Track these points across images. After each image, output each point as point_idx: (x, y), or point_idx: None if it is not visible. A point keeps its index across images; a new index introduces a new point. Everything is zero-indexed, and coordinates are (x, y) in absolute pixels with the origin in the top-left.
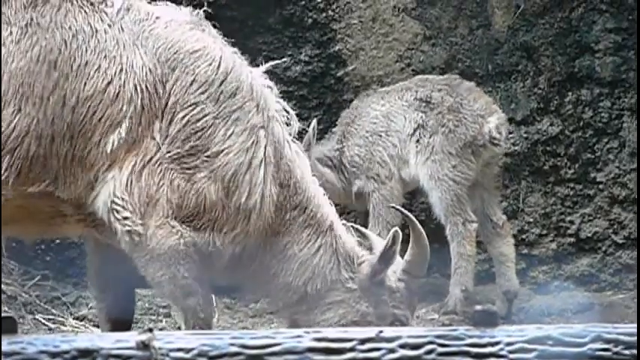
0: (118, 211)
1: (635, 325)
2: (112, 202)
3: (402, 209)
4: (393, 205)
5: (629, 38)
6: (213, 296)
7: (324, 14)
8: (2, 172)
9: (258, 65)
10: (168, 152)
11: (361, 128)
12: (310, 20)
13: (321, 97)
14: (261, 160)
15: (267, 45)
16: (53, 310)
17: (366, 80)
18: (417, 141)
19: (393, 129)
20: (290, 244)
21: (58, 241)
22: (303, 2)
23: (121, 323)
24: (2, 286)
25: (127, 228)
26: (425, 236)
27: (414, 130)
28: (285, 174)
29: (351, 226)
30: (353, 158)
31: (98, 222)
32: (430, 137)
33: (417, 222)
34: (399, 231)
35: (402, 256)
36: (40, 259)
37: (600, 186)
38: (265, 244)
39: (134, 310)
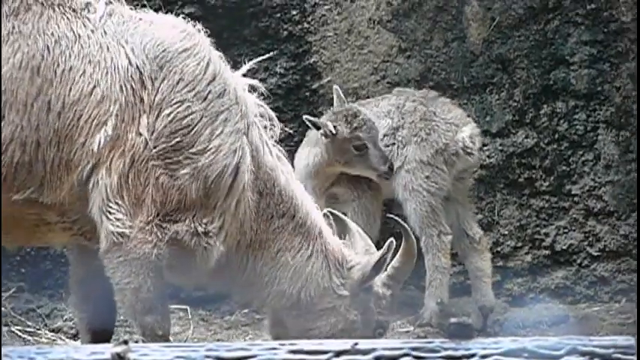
0: (111, 213)
1: (610, 338)
2: (108, 206)
3: (398, 219)
4: (391, 215)
5: (604, 51)
6: (188, 308)
7: (299, 26)
8: None
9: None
10: (155, 147)
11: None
12: (285, 32)
13: (296, 109)
14: (247, 165)
15: (242, 57)
16: (29, 322)
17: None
18: (387, 146)
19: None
20: (282, 251)
21: (33, 252)
22: (279, 15)
23: (101, 334)
24: None
25: (119, 229)
26: (415, 247)
27: (384, 136)
28: (266, 182)
29: (329, 212)
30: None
31: (85, 229)
32: (404, 147)
33: (410, 231)
34: (394, 242)
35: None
36: (16, 271)
37: (575, 198)
38: (256, 252)
39: (115, 321)
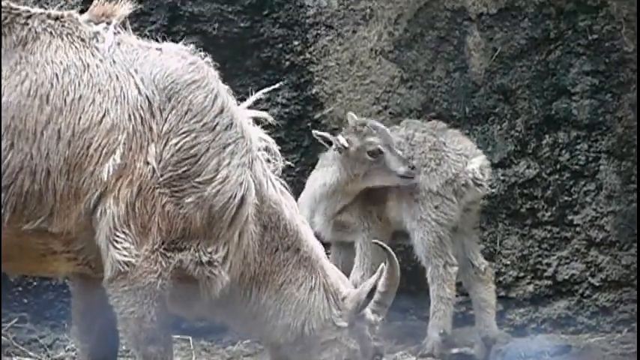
0: (118, 242)
1: None
2: (115, 235)
3: (382, 243)
4: (376, 240)
5: (605, 81)
6: (191, 338)
7: (301, 57)
8: None
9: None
10: (162, 176)
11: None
12: (288, 63)
13: (298, 139)
14: (249, 198)
15: (244, 87)
16: (30, 353)
17: (343, 123)
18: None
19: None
20: (286, 284)
21: (35, 283)
22: (281, 45)
23: None
24: None
25: (125, 258)
26: (398, 270)
27: None
28: (270, 216)
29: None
30: None
31: (90, 259)
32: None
33: (394, 255)
34: (385, 267)
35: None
36: (18, 301)
37: (577, 229)
38: (260, 285)
39: (117, 352)
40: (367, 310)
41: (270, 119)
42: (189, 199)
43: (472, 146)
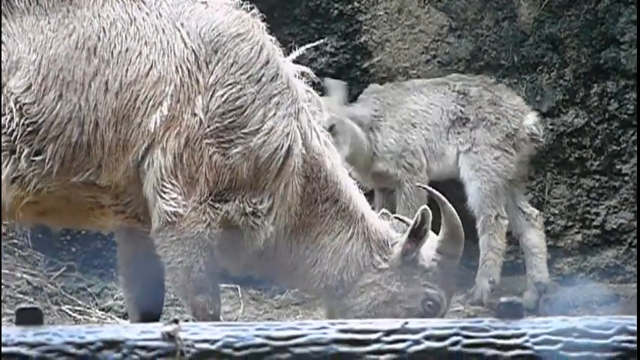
0: (165, 192)
1: None
2: (162, 185)
3: (431, 189)
4: (419, 184)
5: None
6: (239, 287)
7: (349, 6)
8: (46, 161)
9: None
10: (208, 127)
11: (399, 115)
12: (336, 12)
13: (347, 88)
14: (299, 148)
15: (293, 36)
16: (79, 301)
17: (392, 72)
18: (458, 133)
19: (431, 122)
20: (322, 234)
21: (83, 232)
22: None
23: (149, 314)
24: (28, 277)
25: (172, 209)
26: (455, 215)
27: (453, 123)
28: (312, 167)
29: (396, 217)
30: (386, 141)
31: (138, 212)
32: (471, 131)
33: (446, 201)
34: (428, 209)
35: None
36: (66, 250)
37: (626, 178)
38: (299, 236)
39: (163, 301)
40: (423, 257)
41: (312, 75)
42: (236, 150)
43: (522, 102)
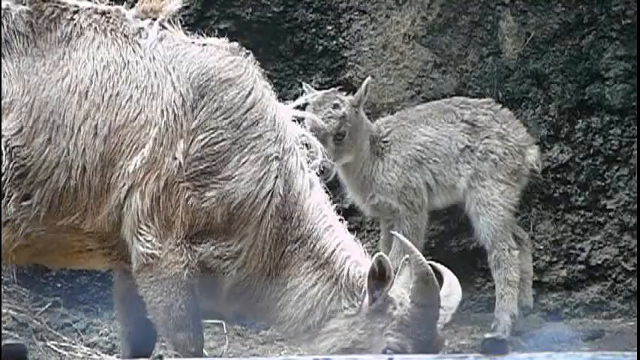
0: (141, 235)
1: None
2: (139, 227)
3: (400, 236)
4: (394, 232)
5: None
6: (224, 323)
7: (334, 42)
8: (33, 206)
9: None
10: (186, 170)
11: (404, 151)
12: (321, 48)
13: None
14: (269, 192)
15: (278, 72)
16: (64, 337)
17: (376, 108)
18: (468, 163)
19: (440, 153)
20: (290, 276)
21: (68, 268)
22: (314, 30)
23: (140, 350)
24: (13, 312)
25: (147, 250)
26: (424, 263)
27: (461, 151)
28: (290, 206)
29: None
30: (387, 174)
31: (124, 254)
32: (478, 163)
33: (414, 248)
34: (384, 256)
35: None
36: (52, 286)
37: (610, 213)
38: (267, 276)
39: (155, 339)
40: (395, 304)
41: (320, 122)
42: (211, 194)
43: (527, 134)
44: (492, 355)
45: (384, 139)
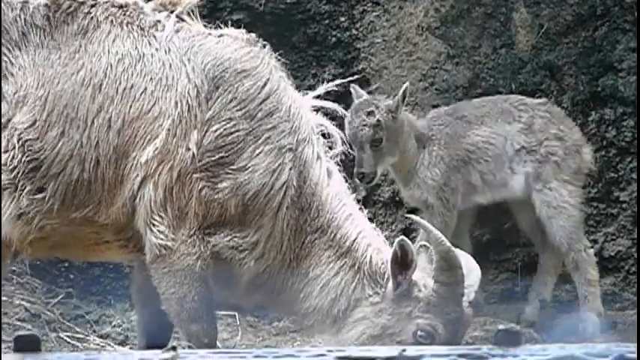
0: (155, 226)
1: None
2: (152, 218)
3: (415, 217)
4: (409, 215)
5: None
6: (237, 314)
7: (347, 33)
8: (47, 199)
9: None
10: (200, 161)
11: (453, 149)
12: (334, 39)
13: (344, 116)
14: (284, 183)
15: (291, 64)
16: (77, 328)
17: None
18: (525, 162)
19: (492, 154)
20: (312, 266)
21: None
22: (327, 21)
23: (156, 341)
24: (26, 304)
25: (160, 241)
26: (444, 242)
27: (517, 152)
28: (307, 197)
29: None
30: (431, 169)
31: (140, 246)
32: (539, 165)
33: (433, 229)
34: (406, 239)
35: None
36: (64, 277)
37: (623, 205)
38: (288, 267)
39: (172, 330)
40: (420, 286)
41: (340, 110)
42: (224, 185)
43: (580, 134)
44: (505, 346)
45: (433, 135)
